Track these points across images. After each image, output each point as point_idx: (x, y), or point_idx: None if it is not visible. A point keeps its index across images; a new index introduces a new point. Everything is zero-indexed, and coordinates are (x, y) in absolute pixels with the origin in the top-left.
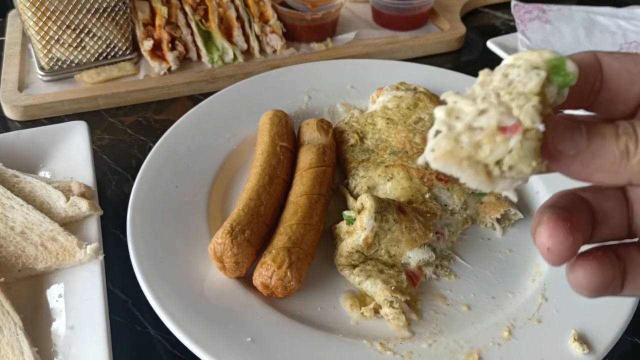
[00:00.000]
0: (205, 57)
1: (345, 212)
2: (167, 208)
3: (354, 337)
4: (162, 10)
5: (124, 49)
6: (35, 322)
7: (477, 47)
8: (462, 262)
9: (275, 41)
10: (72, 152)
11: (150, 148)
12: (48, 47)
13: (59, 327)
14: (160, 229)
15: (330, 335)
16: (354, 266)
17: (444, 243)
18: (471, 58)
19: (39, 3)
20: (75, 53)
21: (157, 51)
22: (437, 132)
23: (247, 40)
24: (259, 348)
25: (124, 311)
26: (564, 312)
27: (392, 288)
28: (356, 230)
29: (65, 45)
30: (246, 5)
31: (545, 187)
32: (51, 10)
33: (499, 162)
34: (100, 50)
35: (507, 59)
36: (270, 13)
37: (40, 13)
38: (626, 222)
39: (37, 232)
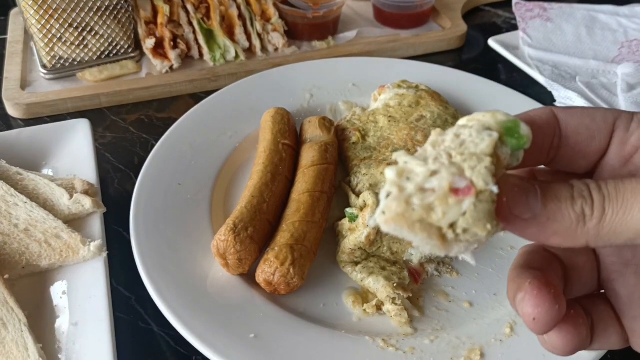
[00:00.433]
0: (207, 56)
1: (348, 210)
2: (170, 205)
3: (357, 334)
4: (164, 9)
5: (126, 47)
6: (40, 318)
7: (478, 45)
8: (463, 259)
9: (277, 39)
10: (75, 150)
11: (153, 146)
12: (50, 46)
13: (62, 323)
14: (163, 226)
15: (333, 331)
16: (357, 263)
17: None
18: (472, 56)
19: (41, 1)
20: (78, 51)
21: (159, 49)
22: (388, 194)
23: (249, 38)
24: (262, 344)
25: (127, 308)
26: None
27: (395, 285)
28: (359, 227)
29: (68, 44)
30: (248, 4)
31: None
32: (53, 8)
33: (452, 225)
34: (102, 49)
35: (461, 120)
36: (272, 11)
37: (42, 11)
38: (596, 276)
39: (40, 230)
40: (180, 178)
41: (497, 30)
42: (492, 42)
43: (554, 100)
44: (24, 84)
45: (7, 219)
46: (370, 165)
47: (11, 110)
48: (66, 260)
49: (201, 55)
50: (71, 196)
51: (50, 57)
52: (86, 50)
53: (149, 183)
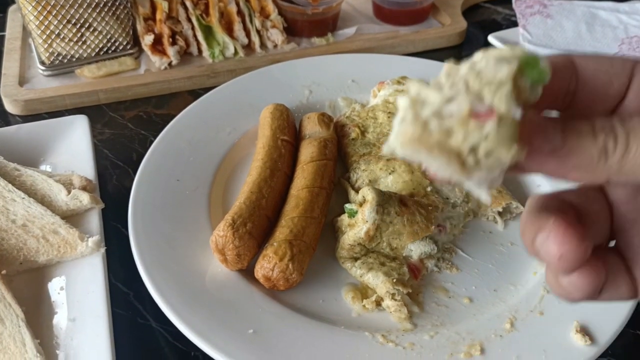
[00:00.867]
0: (206, 52)
1: (347, 205)
2: (169, 201)
3: (356, 329)
4: (162, 5)
5: (124, 43)
6: (37, 314)
7: (478, 42)
8: (463, 255)
9: (276, 36)
10: (73, 146)
11: (151, 142)
12: (49, 42)
13: (60, 319)
14: (162, 222)
15: (332, 327)
16: (356, 259)
17: (446, 236)
18: (472, 53)
19: None
20: (76, 48)
21: (157, 46)
22: (403, 119)
23: (248, 35)
24: (261, 340)
25: (125, 304)
26: (566, 304)
27: (394, 280)
28: (358, 223)
29: (66, 40)
30: (247, 0)
31: (546, 181)
32: (52, 4)
33: (473, 150)
34: (100, 45)
35: (476, 55)
36: (271, 8)
37: (40, 7)
38: (609, 226)
39: (38, 225)
40: (178, 174)
41: (496, 26)
42: (491, 39)
43: None
44: (22, 81)
45: (4, 215)
46: (369, 161)
47: (9, 107)
48: (64, 256)
49: (200, 51)
50: (69, 192)
51: (48, 54)
52: (84, 47)
53: (147, 179)
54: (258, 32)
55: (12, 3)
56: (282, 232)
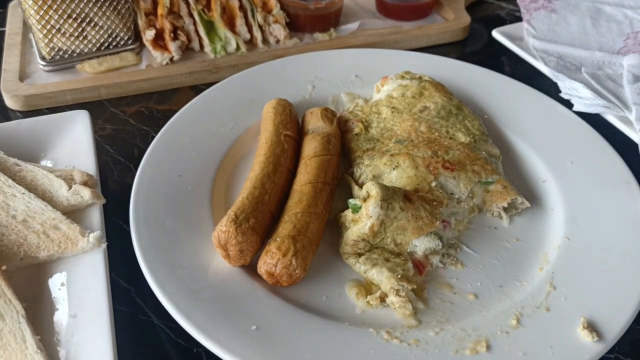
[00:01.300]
0: (207, 47)
1: (351, 200)
2: (170, 197)
3: (360, 326)
4: (164, 0)
5: (125, 38)
6: (38, 310)
7: (481, 37)
8: (468, 250)
9: (278, 31)
10: (74, 141)
11: (153, 138)
12: (49, 37)
13: (61, 315)
14: (164, 217)
15: (336, 323)
16: (360, 255)
17: (451, 232)
18: (476, 48)
19: None
20: (77, 43)
21: (159, 41)
22: None
23: (250, 30)
24: (264, 336)
25: (127, 300)
26: (573, 300)
27: (399, 276)
28: (362, 218)
29: (67, 35)
30: None
31: (551, 175)
32: None
33: None
34: (102, 40)
35: None
36: (273, 3)
37: (41, 2)
38: None
39: (39, 221)
40: (180, 169)
41: (500, 22)
42: (495, 34)
43: (559, 91)
44: (23, 76)
45: (4, 210)
46: (373, 156)
47: (10, 102)
48: (65, 252)
49: (202, 46)
50: (70, 187)
51: (49, 49)
52: (85, 42)
53: (148, 174)
54: (260, 27)
55: None
56: (285, 227)
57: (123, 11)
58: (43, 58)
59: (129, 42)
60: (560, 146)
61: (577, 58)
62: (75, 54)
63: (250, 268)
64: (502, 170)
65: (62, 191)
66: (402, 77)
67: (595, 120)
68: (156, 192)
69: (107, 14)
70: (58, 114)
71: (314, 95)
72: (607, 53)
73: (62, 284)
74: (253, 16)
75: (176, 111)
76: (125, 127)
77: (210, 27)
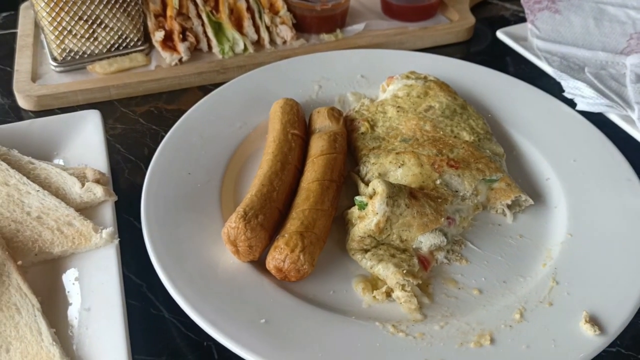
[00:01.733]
0: (216, 48)
1: (357, 197)
2: (180, 194)
3: (367, 320)
4: (173, 1)
5: (135, 39)
6: (52, 304)
7: (486, 38)
8: (473, 247)
9: (285, 32)
10: (86, 140)
11: (162, 137)
12: (61, 38)
13: (75, 309)
14: (174, 214)
15: (343, 317)
16: (366, 251)
17: (455, 228)
18: (480, 49)
19: None
20: (88, 44)
21: (168, 42)
22: None
23: (257, 31)
24: (273, 329)
25: (138, 295)
26: (575, 295)
27: (404, 271)
28: (368, 215)
29: (78, 37)
30: None
31: (555, 173)
32: (64, 1)
33: None
34: (112, 42)
35: None
36: (280, 4)
37: (53, 4)
38: None
39: (53, 217)
40: (190, 167)
41: (504, 22)
42: (500, 34)
43: (562, 91)
44: (35, 77)
45: (19, 207)
46: (379, 154)
47: (22, 102)
48: (78, 248)
49: (210, 47)
50: (83, 185)
51: (60, 50)
52: (96, 43)
53: (159, 172)
54: (267, 28)
55: (22, 1)
56: (293, 224)
57: (133, 13)
58: (54, 59)
59: (139, 43)
60: (563, 145)
61: (581, 58)
62: (86, 55)
63: (259, 263)
64: (506, 168)
65: (75, 189)
66: (408, 77)
67: (598, 119)
68: (166, 189)
69: (117, 15)
70: (70, 113)
71: (320, 95)
72: (610, 53)
73: (76, 279)
74: (260, 17)
75: (185, 111)
76: (136, 127)
77: (218, 28)
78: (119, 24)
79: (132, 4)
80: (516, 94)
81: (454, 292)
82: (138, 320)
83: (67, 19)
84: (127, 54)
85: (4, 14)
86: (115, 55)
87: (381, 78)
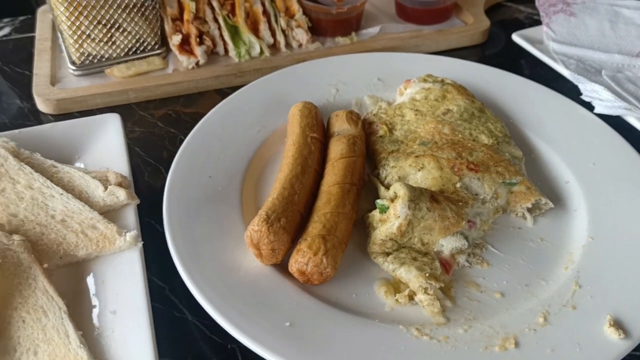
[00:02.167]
0: (232, 52)
1: (378, 201)
2: (202, 197)
3: (390, 323)
4: (190, 5)
5: (152, 43)
6: (78, 307)
7: (500, 40)
8: (494, 250)
9: (300, 35)
10: (107, 144)
11: (181, 140)
12: (79, 42)
13: (101, 312)
14: (196, 217)
15: (367, 320)
16: (388, 254)
17: (476, 232)
18: (495, 52)
19: None
20: (106, 48)
21: (185, 45)
22: None
23: (273, 34)
24: (298, 332)
25: (161, 297)
26: (599, 298)
27: (427, 275)
28: (390, 218)
29: (96, 40)
30: (272, 0)
31: (574, 176)
32: (83, 5)
33: None
34: (130, 45)
35: None
36: (295, 7)
37: (72, 8)
38: None
39: (77, 220)
40: (210, 171)
41: (519, 25)
42: (515, 37)
43: (580, 94)
44: (54, 80)
45: (44, 210)
46: (398, 158)
47: (42, 106)
48: (102, 251)
49: (226, 51)
50: (105, 188)
51: (79, 54)
52: (114, 47)
53: (180, 175)
54: (283, 31)
55: (37, 6)
56: (315, 227)
57: (150, 17)
58: (73, 63)
59: (156, 47)
60: (582, 148)
61: (597, 61)
62: (104, 59)
63: (281, 266)
64: (525, 171)
65: (98, 192)
66: (425, 80)
67: (616, 122)
68: (188, 192)
69: (135, 20)
70: (91, 117)
71: (337, 98)
72: (626, 56)
73: (102, 282)
74: (276, 21)
75: (202, 114)
76: (154, 130)
77: (234, 31)
78: (137, 28)
79: (150, 8)
80: (533, 96)
81: (476, 295)
82: (162, 323)
83: (86, 23)
84: (145, 57)
85: (21, 18)
86: (133, 59)
87: (398, 81)
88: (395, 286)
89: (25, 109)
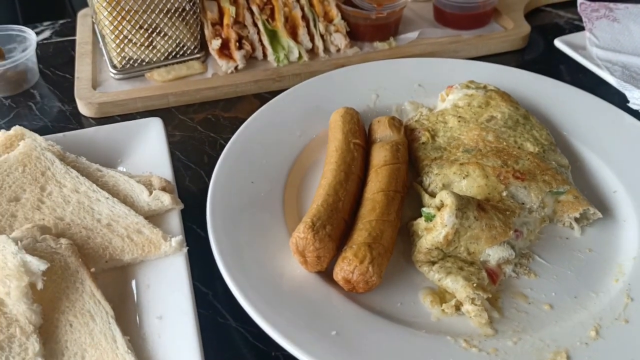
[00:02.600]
0: (271, 56)
1: (424, 209)
2: (244, 202)
3: (437, 333)
4: (230, 10)
5: (192, 48)
6: (124, 311)
7: (539, 46)
8: (541, 260)
9: (339, 40)
10: (149, 148)
11: (221, 145)
12: (121, 46)
13: (147, 317)
14: (239, 223)
15: (413, 330)
16: (433, 263)
17: (523, 241)
18: (535, 57)
19: (114, 3)
20: (147, 52)
21: (224, 50)
22: None
23: (311, 39)
24: (345, 341)
25: (204, 303)
26: None
27: (474, 285)
28: (436, 227)
29: (137, 45)
30: (311, 5)
31: (622, 186)
32: (126, 10)
33: None
34: (170, 49)
35: None
36: (334, 12)
37: (115, 13)
38: None
39: (122, 225)
40: (252, 176)
41: (559, 31)
42: (558, 43)
43: (627, 101)
44: (95, 84)
45: (90, 214)
46: (442, 165)
47: (83, 109)
48: (148, 255)
49: (265, 55)
50: (150, 193)
51: (120, 58)
52: (154, 51)
53: (223, 180)
54: (322, 36)
55: (73, 9)
56: (360, 235)
57: (191, 22)
58: (114, 67)
59: (195, 51)
60: (630, 156)
61: None
62: (144, 63)
63: (326, 274)
64: (572, 180)
65: (143, 196)
66: (467, 87)
67: None
68: (230, 198)
69: (176, 24)
70: (133, 121)
71: (378, 104)
72: None
73: (147, 287)
74: (315, 26)
75: (242, 118)
76: (194, 134)
77: (273, 36)
78: (177, 33)
79: (191, 12)
80: (577, 103)
81: (524, 307)
82: (205, 329)
83: (128, 27)
84: (184, 61)
85: (62, 22)
86: (173, 63)
87: (438, 87)
88: (441, 296)
89: (66, 112)
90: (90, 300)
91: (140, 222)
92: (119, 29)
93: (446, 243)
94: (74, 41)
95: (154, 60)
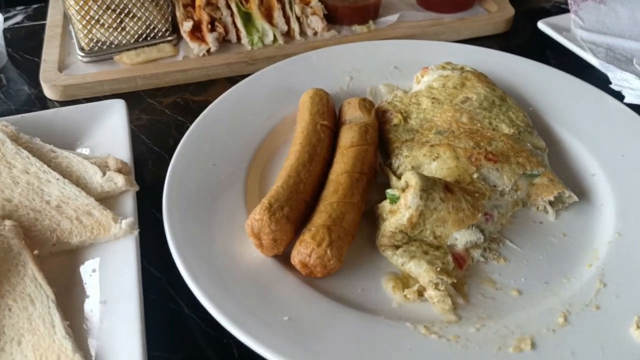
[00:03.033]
0: (244, 39)
1: (389, 191)
2: (204, 185)
3: (397, 320)
4: None
5: (163, 30)
6: (68, 296)
7: (525, 30)
8: (512, 245)
9: (316, 23)
10: (110, 130)
11: (189, 128)
12: (88, 28)
13: (91, 301)
14: (196, 206)
15: (372, 317)
16: (397, 247)
17: (493, 225)
18: (519, 41)
19: None
20: (115, 34)
21: (196, 32)
22: None
23: (287, 22)
24: (296, 328)
25: (158, 289)
26: (625, 298)
27: (438, 269)
28: (400, 209)
29: (106, 26)
30: None
31: (601, 169)
32: None
33: None
34: (140, 32)
35: None
36: None
37: None
38: None
39: (72, 206)
40: (215, 158)
41: (545, 14)
42: (541, 25)
43: (609, 83)
44: (62, 67)
45: (39, 196)
46: (412, 147)
47: (48, 92)
48: (97, 238)
49: (239, 38)
50: (104, 174)
51: (88, 40)
52: (124, 34)
53: (183, 162)
54: (298, 19)
55: None
56: (320, 217)
57: (161, 3)
58: (82, 49)
59: (167, 33)
60: (610, 139)
61: (628, 50)
62: (113, 45)
63: (284, 258)
64: (548, 163)
65: (96, 178)
66: (443, 68)
67: None
68: (190, 180)
69: (146, 5)
70: (95, 102)
71: (351, 86)
72: None
73: (94, 270)
74: (291, 8)
75: (212, 102)
76: (161, 118)
77: (247, 18)
78: (147, 14)
79: None
80: (559, 86)
81: (491, 293)
82: (156, 315)
83: (95, 8)
84: (155, 44)
85: (35, 6)
86: (143, 46)
87: (415, 69)
88: (404, 281)
89: (32, 95)
90: (32, 283)
91: (91, 204)
92: (85, 9)
93: (410, 226)
94: (45, 25)
95: (124, 42)
